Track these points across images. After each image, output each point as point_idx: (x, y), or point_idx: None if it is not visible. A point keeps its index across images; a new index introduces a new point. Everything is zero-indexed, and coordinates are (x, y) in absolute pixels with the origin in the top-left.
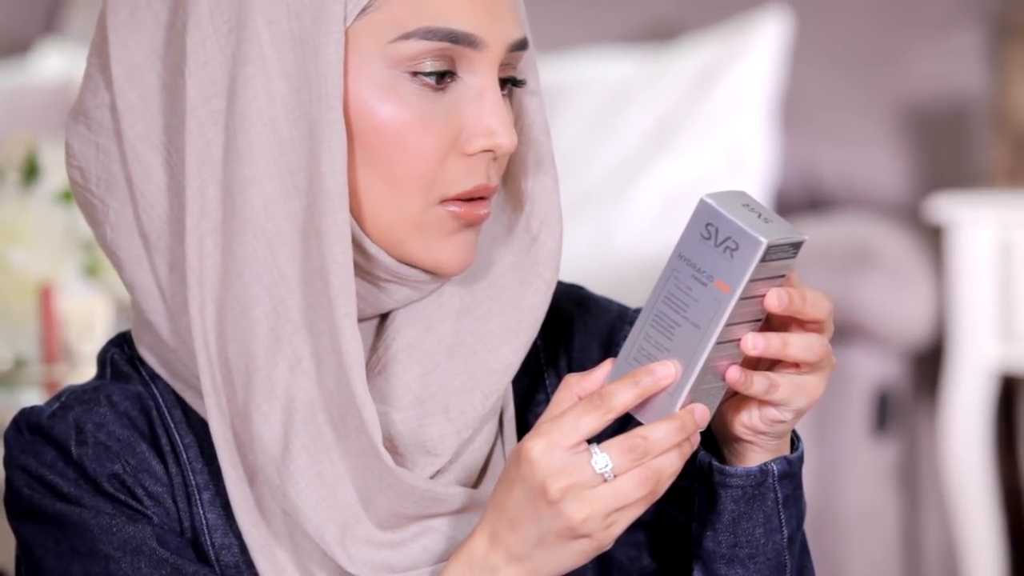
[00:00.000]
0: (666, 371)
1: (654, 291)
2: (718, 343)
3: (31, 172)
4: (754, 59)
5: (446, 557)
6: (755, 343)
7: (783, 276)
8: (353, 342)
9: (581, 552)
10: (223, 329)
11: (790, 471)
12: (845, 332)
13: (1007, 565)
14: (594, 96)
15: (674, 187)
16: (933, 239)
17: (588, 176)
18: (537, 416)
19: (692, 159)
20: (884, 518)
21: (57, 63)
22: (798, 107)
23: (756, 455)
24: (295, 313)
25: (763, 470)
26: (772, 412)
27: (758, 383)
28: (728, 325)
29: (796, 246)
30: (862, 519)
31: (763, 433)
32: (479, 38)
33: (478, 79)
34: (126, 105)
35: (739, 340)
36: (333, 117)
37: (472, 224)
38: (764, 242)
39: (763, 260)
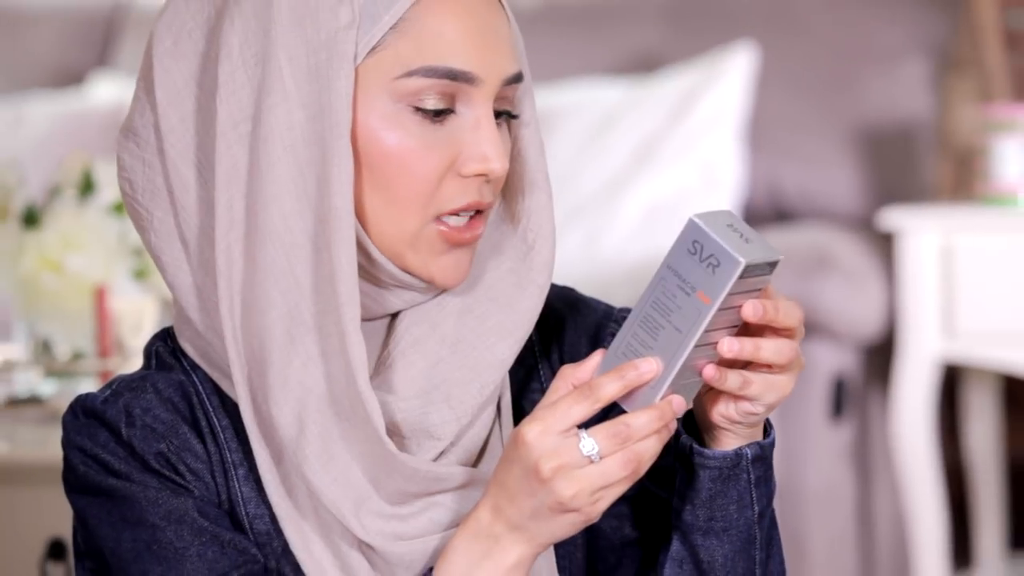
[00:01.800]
0: (648, 367)
1: (644, 294)
2: (697, 346)
3: (87, 187)
4: (726, 87)
5: (450, 527)
6: (730, 347)
7: (760, 289)
8: (357, 344)
9: (571, 524)
10: (247, 327)
11: (762, 455)
12: (806, 328)
13: (949, 535)
14: (585, 119)
15: (655, 200)
16: (884, 245)
17: (579, 190)
18: (532, 403)
19: (671, 175)
20: (841, 493)
21: (109, 91)
22: (765, 129)
23: (732, 440)
24: (307, 316)
25: (738, 454)
26: (746, 405)
27: (732, 380)
28: (707, 331)
29: (772, 265)
30: (821, 494)
31: (738, 423)
32: (476, 75)
33: (475, 111)
34: (168, 126)
35: (717, 343)
36: (342, 144)
37: (461, 245)
38: (743, 262)
39: (741, 277)
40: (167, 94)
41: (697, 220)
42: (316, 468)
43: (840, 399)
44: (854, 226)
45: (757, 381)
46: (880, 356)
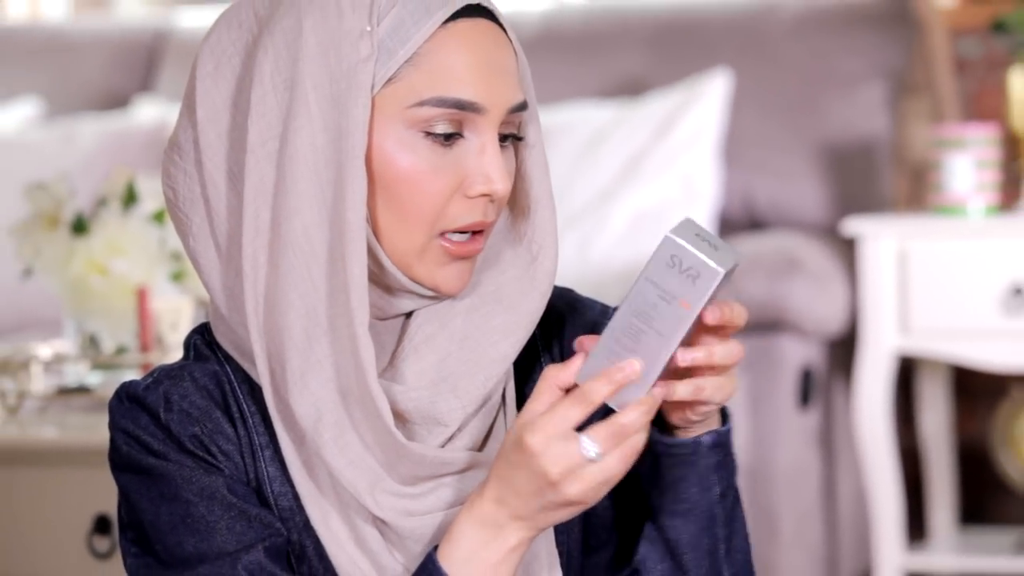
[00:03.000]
0: (632, 369)
1: (623, 305)
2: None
3: (130, 198)
4: (704, 109)
5: (455, 504)
6: (684, 357)
7: (717, 294)
8: (366, 347)
9: (571, 513)
10: (269, 325)
11: (719, 441)
12: (777, 325)
13: (905, 511)
14: (578, 137)
15: (641, 210)
16: (847, 251)
17: (573, 201)
18: (532, 390)
19: (655, 188)
20: (808, 474)
21: (151, 113)
22: (739, 147)
23: (691, 430)
24: (323, 318)
25: (696, 441)
26: (700, 407)
27: (682, 390)
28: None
29: (733, 270)
30: (790, 475)
31: (696, 421)
32: (481, 105)
33: (481, 137)
34: (206, 141)
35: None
36: (357, 166)
37: (464, 257)
38: (722, 272)
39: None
40: (207, 113)
41: (673, 236)
42: (334, 452)
43: (807, 389)
44: (819, 233)
45: (708, 386)
46: (843, 350)
